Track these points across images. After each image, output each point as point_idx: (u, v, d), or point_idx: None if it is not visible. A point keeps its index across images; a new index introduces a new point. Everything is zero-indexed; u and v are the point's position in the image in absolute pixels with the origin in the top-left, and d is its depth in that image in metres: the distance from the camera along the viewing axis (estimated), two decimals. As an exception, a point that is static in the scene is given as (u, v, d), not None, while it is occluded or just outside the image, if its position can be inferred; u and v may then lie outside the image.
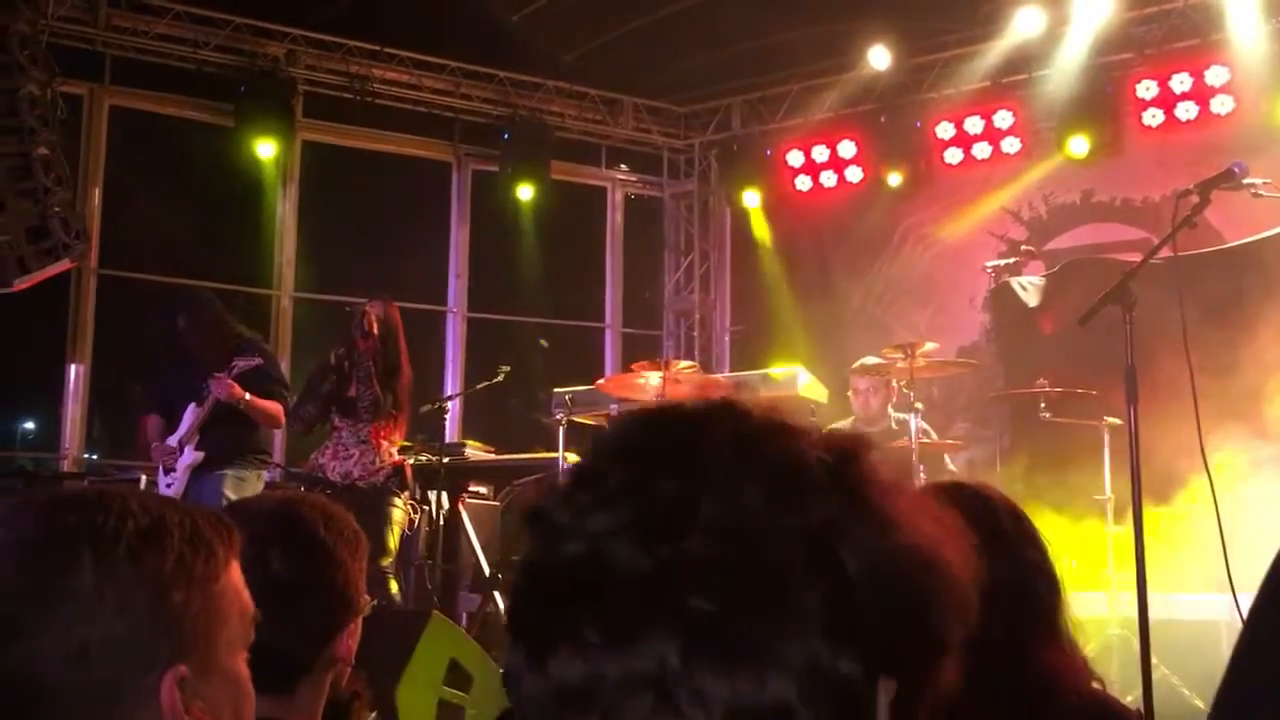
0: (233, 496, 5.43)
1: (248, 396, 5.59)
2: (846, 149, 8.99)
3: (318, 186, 8.91)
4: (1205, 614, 4.91)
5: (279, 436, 8.35)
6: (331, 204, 9.05)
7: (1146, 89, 7.78)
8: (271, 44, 8.52)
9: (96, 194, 8.13)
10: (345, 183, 9.20)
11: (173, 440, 5.71)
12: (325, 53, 8.71)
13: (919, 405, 5.89)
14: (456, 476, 6.88)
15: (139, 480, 6.31)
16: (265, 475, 6.09)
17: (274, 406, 5.80)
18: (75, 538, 1.08)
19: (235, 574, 1.18)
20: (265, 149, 8.30)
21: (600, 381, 6.85)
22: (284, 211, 8.78)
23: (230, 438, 5.69)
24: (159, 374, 6.12)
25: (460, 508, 6.94)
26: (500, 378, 6.98)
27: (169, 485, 5.67)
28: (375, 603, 1.90)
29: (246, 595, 1.21)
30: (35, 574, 1.06)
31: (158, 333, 6.23)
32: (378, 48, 8.76)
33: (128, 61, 8.22)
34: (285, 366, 8.62)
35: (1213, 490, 3.59)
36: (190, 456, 5.67)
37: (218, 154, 8.37)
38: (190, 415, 5.66)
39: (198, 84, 8.40)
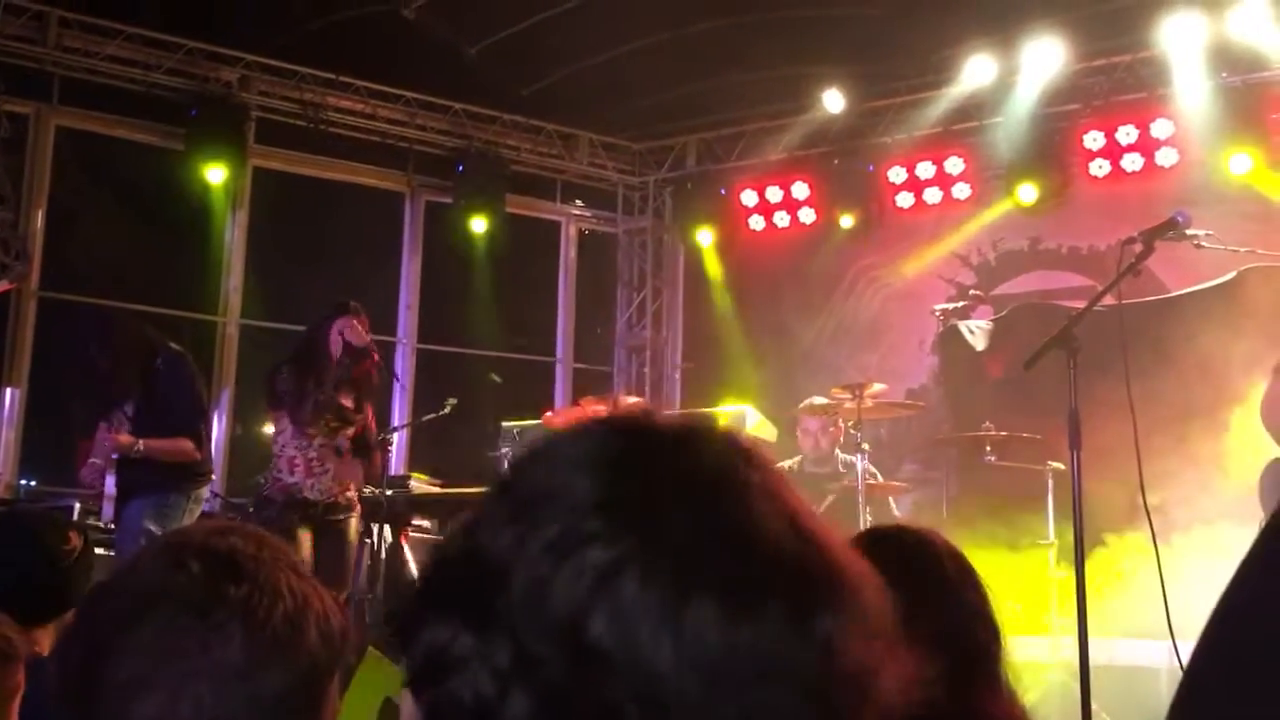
0: (154, 528, 5.15)
1: (140, 445, 5.24)
2: (800, 190, 9.06)
3: (268, 213, 8.82)
4: (1146, 659, 4.94)
5: (218, 465, 8.21)
6: (282, 231, 8.97)
7: (1094, 140, 7.92)
8: (224, 69, 8.45)
9: (40, 215, 7.98)
10: (296, 210, 9.12)
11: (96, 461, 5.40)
12: (279, 79, 8.65)
13: (865, 446, 5.90)
14: (400, 509, 6.78)
15: (73, 508, 6.12)
16: (204, 495, 5.71)
17: (173, 445, 5.36)
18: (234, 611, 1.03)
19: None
20: (215, 174, 8.21)
21: (548, 416, 6.81)
22: (233, 238, 8.67)
23: (146, 467, 5.31)
24: (78, 396, 5.98)
25: (403, 541, 6.84)
26: (448, 410, 6.92)
27: (106, 510, 5.41)
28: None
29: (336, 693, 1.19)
30: (188, 638, 1.02)
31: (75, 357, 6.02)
32: (333, 76, 8.72)
33: (76, 82, 8.11)
34: (229, 394, 8.50)
35: (1153, 535, 3.62)
36: (110, 489, 5.33)
37: (166, 178, 8.26)
38: (99, 446, 5.37)
39: (148, 107, 8.30)
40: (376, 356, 5.83)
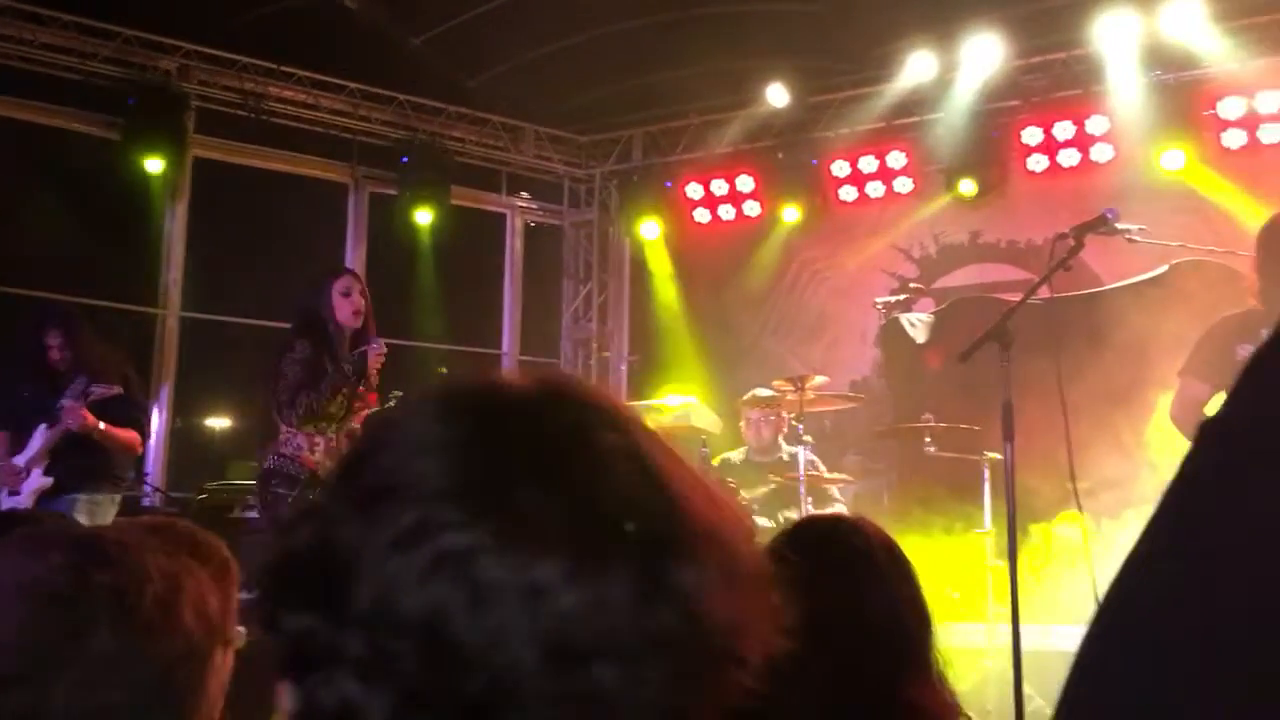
0: (86, 523, 5.15)
1: (102, 426, 5.28)
2: (745, 183, 9.12)
3: (208, 204, 8.71)
4: (1079, 644, 5.05)
5: (159, 460, 8.12)
6: (222, 222, 8.85)
7: (1031, 135, 8.05)
8: (163, 58, 8.32)
9: (-28, 205, 7.83)
10: (237, 201, 9.01)
11: (19, 460, 5.35)
12: (219, 68, 8.54)
13: (808, 438, 5.97)
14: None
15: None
16: (117, 498, 5.71)
17: (131, 435, 5.48)
18: (100, 598, 1.02)
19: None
20: (154, 164, 8.08)
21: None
22: (172, 229, 8.55)
23: (83, 462, 5.35)
24: (11, 389, 5.60)
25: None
26: (392, 403, 6.88)
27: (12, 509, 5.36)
28: (249, 636, 1.84)
29: (228, 666, 1.17)
30: (54, 628, 1.00)
31: (15, 346, 5.72)
32: (274, 65, 8.62)
33: (11, 70, 7.94)
34: (169, 387, 8.40)
35: (1083, 522, 3.71)
36: (37, 481, 5.32)
37: (103, 168, 8.12)
38: (40, 436, 5.32)
39: (84, 96, 8.15)
40: (382, 347, 5.33)
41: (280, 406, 5.06)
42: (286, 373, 5.03)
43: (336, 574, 0.64)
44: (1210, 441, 0.69)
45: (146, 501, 7.40)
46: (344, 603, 0.64)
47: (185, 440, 8.72)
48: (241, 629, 1.77)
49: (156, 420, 7.93)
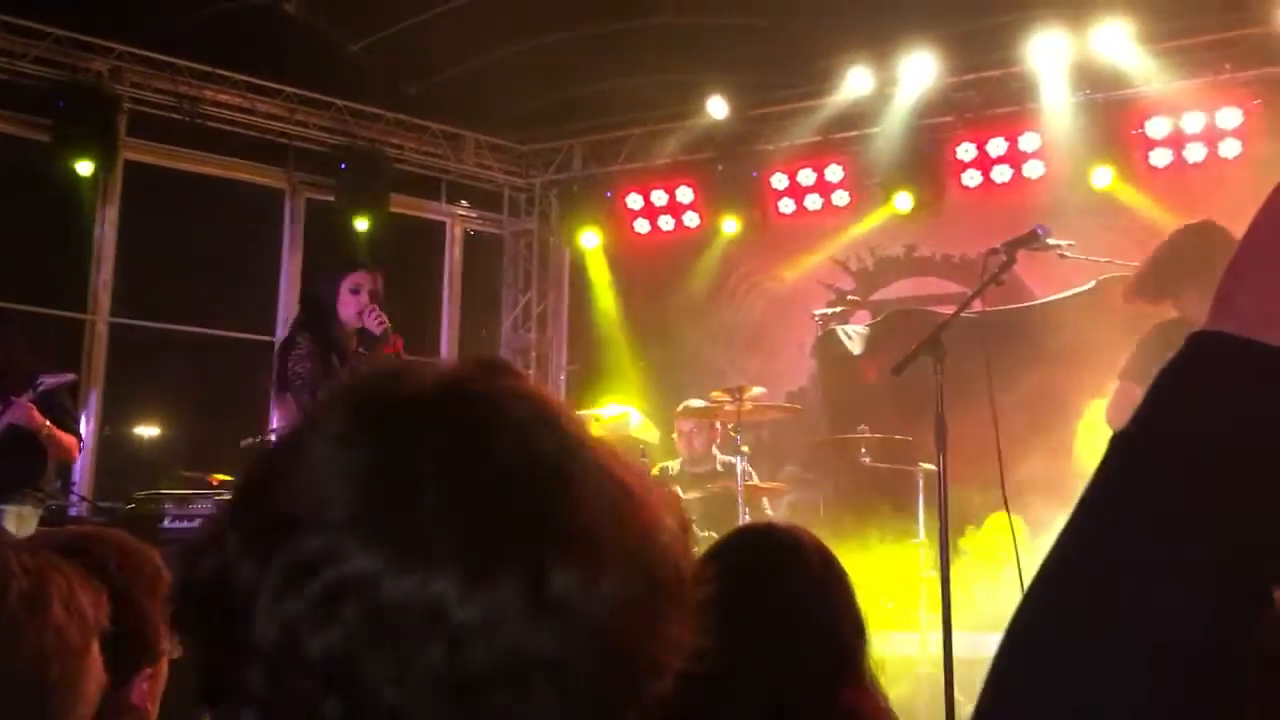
0: (14, 532, 5.03)
1: (48, 425, 5.21)
2: (684, 194, 9.17)
3: (140, 208, 8.55)
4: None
5: (86, 468, 7.95)
6: (155, 227, 8.69)
7: (966, 151, 8.20)
8: (95, 59, 8.16)
9: (-107, 206, 7.62)
10: (171, 205, 8.85)
11: None
12: (153, 71, 8.39)
13: (745, 449, 6.01)
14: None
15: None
16: (40, 511, 5.53)
17: (70, 439, 5.39)
18: None
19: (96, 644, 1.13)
20: (84, 167, 7.92)
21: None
22: (102, 232, 8.38)
23: (18, 468, 5.22)
24: None
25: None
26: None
27: None
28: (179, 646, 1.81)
29: (101, 664, 1.15)
30: None
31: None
32: (210, 69, 8.50)
33: (-66, 69, 7.76)
34: (98, 394, 8.22)
35: (1013, 534, 3.77)
36: None
37: (31, 170, 7.94)
38: (18, 409, 5.15)
39: (12, 96, 7.96)
40: (400, 343, 5.00)
41: (295, 398, 4.86)
42: (300, 371, 4.79)
43: (235, 609, 0.62)
44: (1115, 451, 0.71)
45: (74, 511, 7.22)
46: (243, 639, 0.62)
47: (114, 448, 8.55)
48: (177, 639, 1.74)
49: (85, 429, 7.76)
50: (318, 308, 5.02)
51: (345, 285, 4.96)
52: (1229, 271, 0.74)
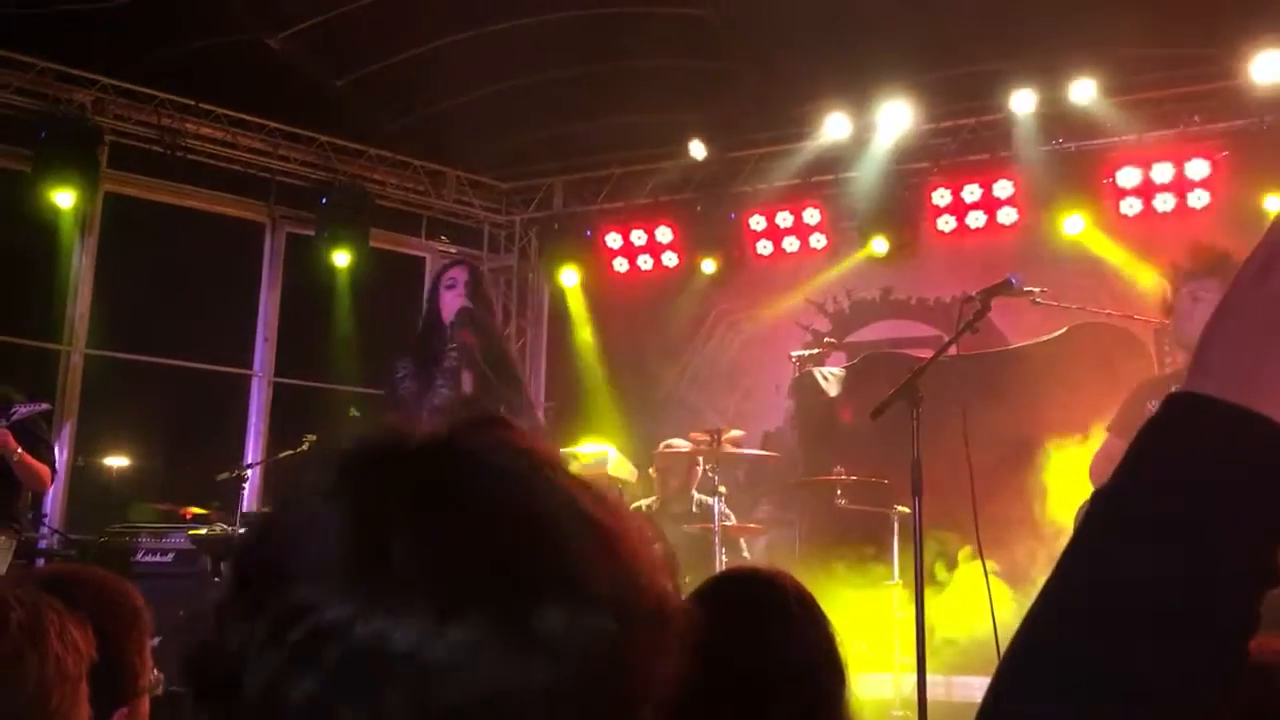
0: None
1: (20, 451, 5.20)
2: (664, 234, 9.25)
3: (119, 240, 8.54)
4: (982, 694, 5.16)
5: (58, 500, 7.88)
6: (133, 259, 8.68)
7: (941, 197, 8.32)
8: (78, 90, 8.18)
9: None
10: (150, 238, 8.83)
11: None
12: (135, 103, 8.42)
13: (722, 490, 6.04)
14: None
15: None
16: (14, 543, 5.54)
17: (43, 468, 5.39)
18: None
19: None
20: (64, 198, 7.92)
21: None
22: (80, 264, 8.37)
23: None
24: None
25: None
26: (305, 447, 6.80)
27: None
28: (165, 683, 1.82)
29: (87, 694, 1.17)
30: None
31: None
32: (192, 102, 8.54)
33: (-85, 99, 7.75)
34: (71, 425, 8.17)
35: (986, 577, 3.81)
36: None
37: (10, 200, 7.92)
38: None
39: (-8, 126, 7.97)
40: (467, 335, 4.52)
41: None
42: (402, 394, 4.53)
43: (226, 670, 0.64)
44: (1096, 507, 0.75)
45: (43, 544, 7.16)
46: (234, 698, 0.64)
47: (86, 480, 8.48)
48: (158, 674, 1.75)
49: (58, 459, 7.71)
50: (424, 319, 4.79)
51: (442, 284, 4.74)
52: (1205, 333, 0.76)
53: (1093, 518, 0.74)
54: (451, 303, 4.61)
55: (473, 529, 0.65)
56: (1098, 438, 4.38)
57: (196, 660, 0.67)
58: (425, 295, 4.79)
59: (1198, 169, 7.61)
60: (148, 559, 6.77)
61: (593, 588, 0.65)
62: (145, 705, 1.72)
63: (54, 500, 7.77)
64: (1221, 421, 0.71)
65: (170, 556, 6.77)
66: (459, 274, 4.70)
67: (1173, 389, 0.78)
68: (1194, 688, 0.68)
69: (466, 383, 4.43)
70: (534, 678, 0.62)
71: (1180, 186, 7.68)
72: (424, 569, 0.63)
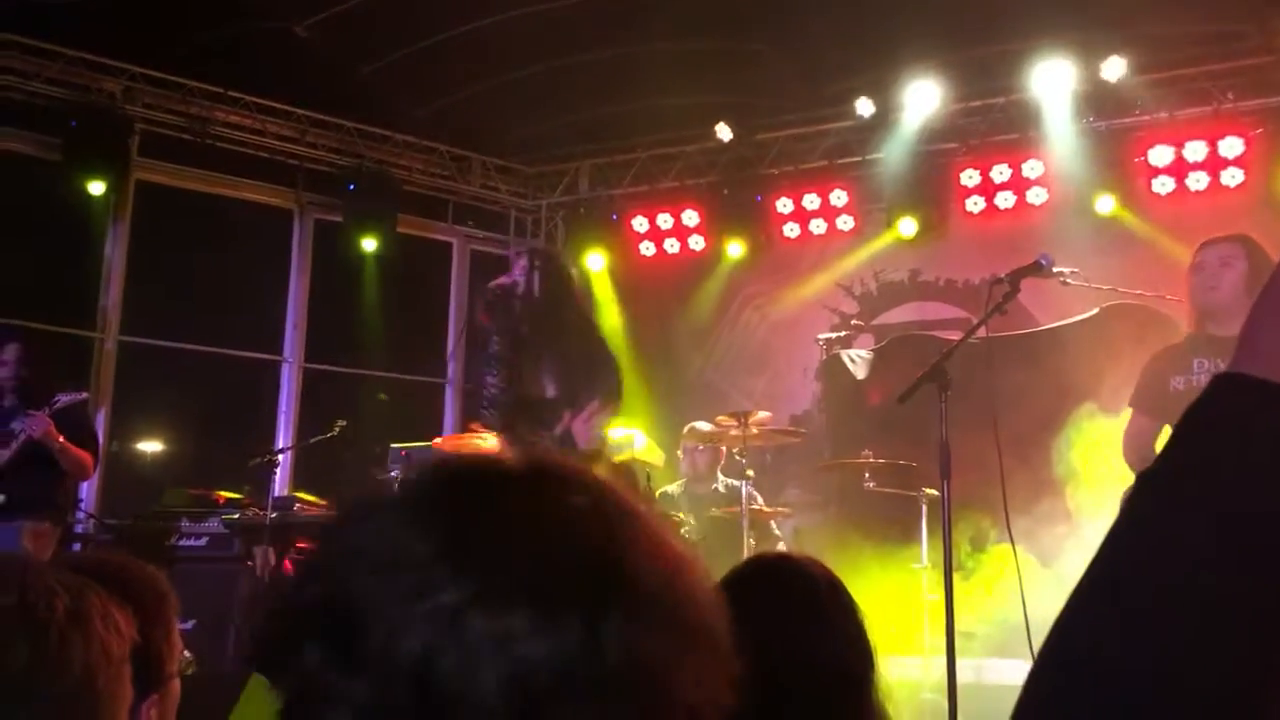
0: (30, 549, 5.09)
1: (62, 439, 5.28)
2: (690, 217, 9.23)
3: (150, 228, 8.62)
4: (1012, 678, 5.16)
5: (93, 485, 7.98)
6: (165, 247, 8.76)
7: (969, 177, 8.26)
8: (108, 80, 8.25)
9: (-94, 224, 7.68)
10: (181, 225, 8.92)
11: None
12: (165, 92, 8.48)
13: (750, 473, 6.04)
14: (285, 532, 6.69)
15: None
16: (59, 529, 5.64)
17: (85, 455, 5.46)
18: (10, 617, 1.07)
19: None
20: (96, 187, 8.00)
21: (437, 441, 6.81)
22: (113, 252, 8.45)
23: (37, 484, 5.31)
24: None
25: (288, 564, 6.74)
26: (336, 432, 6.86)
27: None
28: (193, 663, 1.84)
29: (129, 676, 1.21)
30: None
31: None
32: (221, 90, 8.59)
33: (-52, 90, 7.83)
34: (106, 412, 8.27)
35: (1016, 560, 3.80)
36: None
37: (44, 190, 8.02)
38: (34, 422, 5.24)
39: (25, 116, 8.05)
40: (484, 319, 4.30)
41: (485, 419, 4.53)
42: (485, 394, 4.36)
43: (347, 624, 0.71)
44: (1140, 490, 0.74)
45: (80, 528, 7.26)
46: (351, 650, 0.71)
47: (121, 466, 8.59)
48: (188, 655, 1.78)
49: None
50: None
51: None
52: (1253, 313, 0.75)
53: (1136, 503, 0.74)
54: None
55: (558, 543, 0.74)
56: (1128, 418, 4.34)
57: (309, 613, 0.74)
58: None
59: (1231, 147, 7.52)
60: (183, 544, 6.86)
61: (666, 608, 0.74)
62: (176, 688, 1.74)
63: (89, 486, 7.87)
64: (1271, 404, 0.70)
65: (205, 541, 6.85)
66: (515, 261, 4.59)
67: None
68: (1249, 672, 0.67)
69: (493, 379, 4.31)
70: (602, 676, 0.70)
71: (1214, 165, 7.59)
72: (524, 574, 0.72)
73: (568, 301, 4.55)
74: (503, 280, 4.48)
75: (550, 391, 4.23)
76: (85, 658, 1.25)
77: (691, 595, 0.76)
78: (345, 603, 0.72)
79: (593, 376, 4.34)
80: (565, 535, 0.74)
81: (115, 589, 1.54)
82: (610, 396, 4.33)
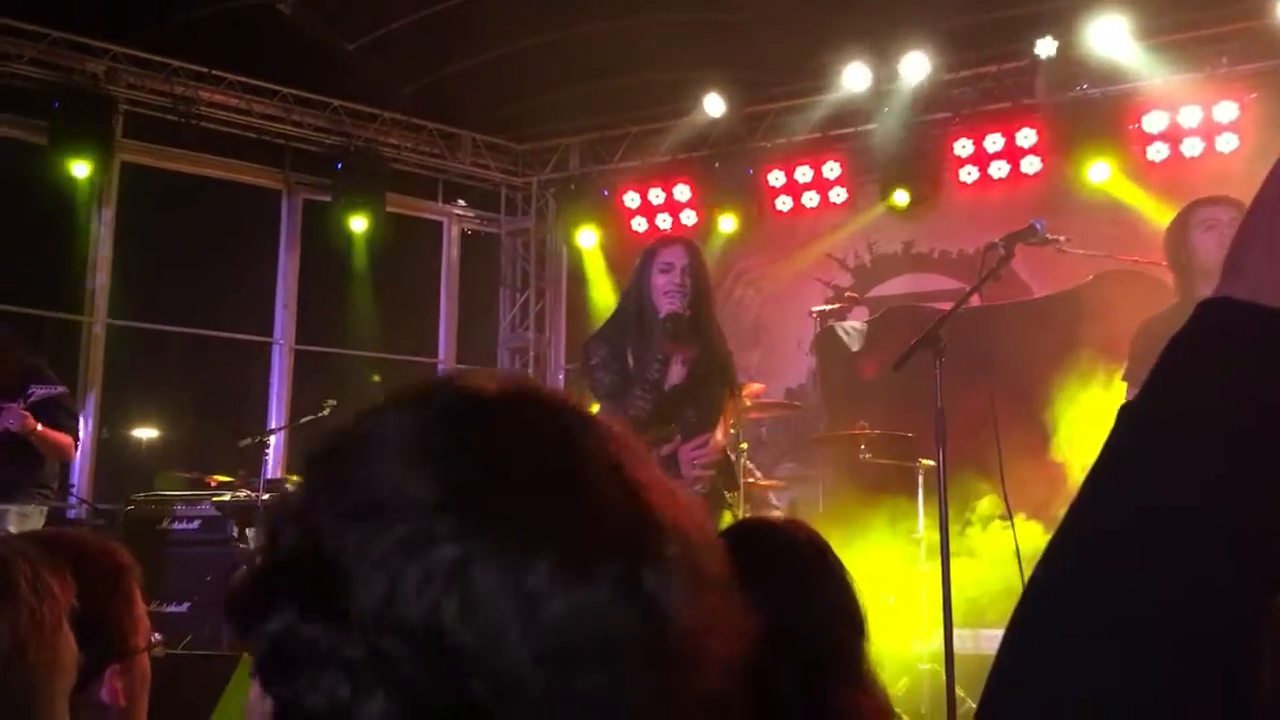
0: (15, 532, 5.07)
1: (39, 428, 5.24)
2: (682, 192, 9.16)
3: (137, 210, 8.54)
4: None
5: (85, 470, 7.94)
6: (152, 228, 8.68)
7: (963, 147, 8.19)
8: (91, 60, 8.15)
9: (-111, 209, 7.61)
10: (167, 207, 8.84)
11: None
12: (148, 72, 8.38)
13: (744, 445, 6.00)
14: (276, 514, 6.64)
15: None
16: (45, 510, 5.65)
17: (64, 439, 5.43)
18: None
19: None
20: (80, 169, 7.92)
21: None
22: (99, 234, 8.38)
23: (14, 471, 5.31)
24: None
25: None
26: (326, 412, 6.81)
27: None
28: (163, 644, 1.80)
29: (73, 638, 1.18)
30: None
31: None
32: (205, 69, 8.49)
33: (-71, 72, 7.74)
34: (95, 396, 8.22)
35: (1013, 530, 3.77)
36: None
37: (27, 172, 7.93)
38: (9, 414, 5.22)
39: (8, 98, 7.95)
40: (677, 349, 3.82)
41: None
42: (593, 385, 4.01)
43: (327, 579, 0.65)
44: (1123, 421, 0.71)
45: (72, 514, 7.22)
46: (337, 607, 0.64)
47: (112, 450, 8.54)
48: (158, 636, 1.73)
49: (83, 430, 7.76)
50: (630, 301, 4.03)
51: (655, 265, 3.94)
52: (1238, 236, 0.72)
53: (1119, 436, 0.71)
54: (668, 295, 3.88)
55: (579, 487, 0.68)
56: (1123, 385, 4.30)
57: (283, 567, 0.68)
58: (634, 271, 4.03)
59: (1226, 111, 7.45)
60: (177, 527, 6.82)
61: (679, 552, 0.68)
62: (144, 663, 1.70)
63: (80, 470, 7.83)
64: (1255, 322, 0.67)
65: (198, 524, 6.82)
66: (676, 256, 3.91)
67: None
68: (1237, 607, 0.64)
69: (644, 401, 3.83)
70: (633, 632, 0.65)
71: (1208, 130, 7.52)
72: (543, 522, 0.65)
73: (709, 305, 4.04)
74: (677, 310, 3.89)
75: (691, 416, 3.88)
76: (13, 632, 1.21)
77: (713, 544, 0.71)
78: (322, 554, 0.65)
79: (718, 404, 3.95)
80: (584, 480, 0.68)
81: (65, 559, 1.49)
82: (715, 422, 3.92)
